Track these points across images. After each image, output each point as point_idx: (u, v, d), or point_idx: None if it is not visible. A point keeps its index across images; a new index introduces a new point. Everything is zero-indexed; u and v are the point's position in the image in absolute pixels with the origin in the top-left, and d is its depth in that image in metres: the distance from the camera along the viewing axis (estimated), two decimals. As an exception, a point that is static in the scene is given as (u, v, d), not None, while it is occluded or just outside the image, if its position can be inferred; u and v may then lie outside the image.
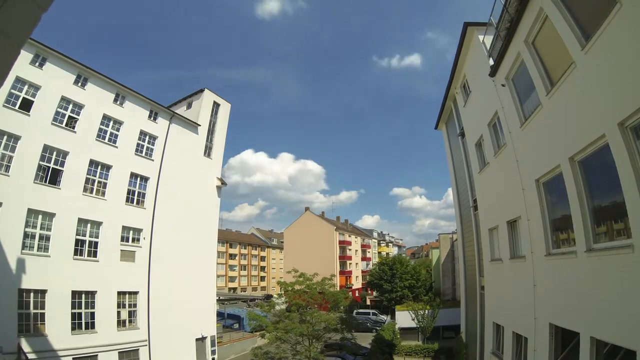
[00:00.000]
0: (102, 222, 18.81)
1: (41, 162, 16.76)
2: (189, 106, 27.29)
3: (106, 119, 20.06)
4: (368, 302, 58.17)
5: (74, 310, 16.84)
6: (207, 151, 26.48)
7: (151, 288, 20.47)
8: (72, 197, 17.65)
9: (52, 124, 17.42)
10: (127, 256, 19.93)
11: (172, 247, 22.11)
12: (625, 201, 5.58)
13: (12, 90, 16.07)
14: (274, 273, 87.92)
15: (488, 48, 11.85)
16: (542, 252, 8.82)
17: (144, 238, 20.93)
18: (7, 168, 15.51)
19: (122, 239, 19.85)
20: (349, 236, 70.17)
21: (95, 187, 18.99)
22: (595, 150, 6.50)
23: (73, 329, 16.67)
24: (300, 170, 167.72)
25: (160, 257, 21.25)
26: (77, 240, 17.63)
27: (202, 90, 27.05)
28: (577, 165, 7.15)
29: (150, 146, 22.41)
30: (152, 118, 22.76)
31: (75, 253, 17.46)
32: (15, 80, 16.13)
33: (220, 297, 53.91)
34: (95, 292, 17.86)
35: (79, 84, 19.03)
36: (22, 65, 16.28)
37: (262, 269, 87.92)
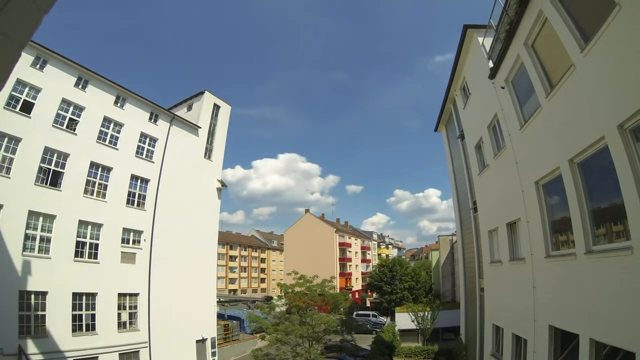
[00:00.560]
0: (102, 224, 18.83)
1: (42, 164, 16.78)
2: (190, 108, 27.37)
3: (107, 121, 20.10)
4: (368, 304, 57.94)
5: (74, 312, 16.85)
6: (208, 153, 26.53)
7: (152, 290, 20.48)
8: (72, 199, 17.67)
9: (53, 126, 17.45)
10: (128, 258, 19.94)
11: (172, 249, 22.14)
12: (624, 203, 5.59)
13: (13, 93, 16.10)
14: (274, 275, 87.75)
15: (488, 50, 11.86)
16: (541, 254, 8.83)
17: (145, 240, 20.94)
18: (8, 170, 15.53)
19: (123, 241, 19.86)
20: (349, 238, 70.19)
21: (95, 189, 19.01)
22: (594, 152, 6.53)
23: (74, 330, 16.67)
24: (301, 171, 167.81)
25: (160, 258, 21.26)
26: (77, 242, 17.64)
27: (202, 93, 27.11)
28: (576, 167, 7.16)
29: (150, 148, 22.45)
30: (152, 120, 22.81)
31: (76, 255, 17.47)
32: (16, 83, 16.17)
33: (221, 299, 53.71)
34: (96, 293, 17.87)
35: (80, 86, 19.07)
36: (23, 68, 16.31)
37: (263, 270, 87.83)
